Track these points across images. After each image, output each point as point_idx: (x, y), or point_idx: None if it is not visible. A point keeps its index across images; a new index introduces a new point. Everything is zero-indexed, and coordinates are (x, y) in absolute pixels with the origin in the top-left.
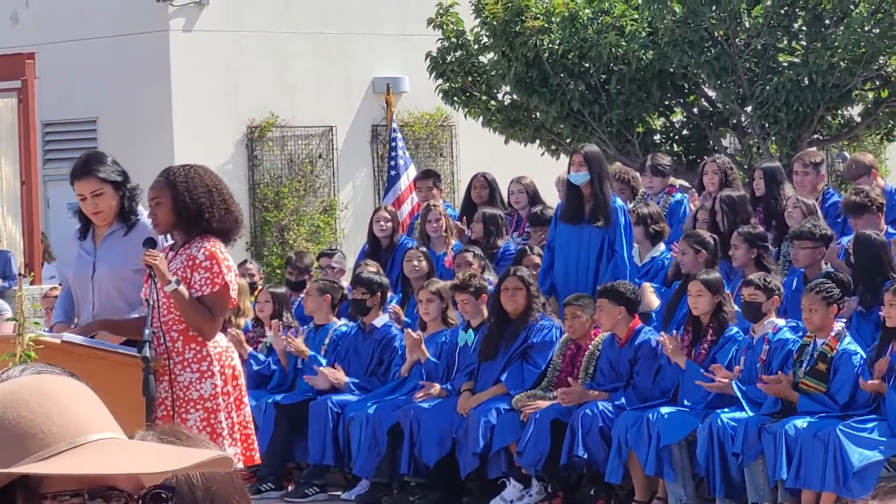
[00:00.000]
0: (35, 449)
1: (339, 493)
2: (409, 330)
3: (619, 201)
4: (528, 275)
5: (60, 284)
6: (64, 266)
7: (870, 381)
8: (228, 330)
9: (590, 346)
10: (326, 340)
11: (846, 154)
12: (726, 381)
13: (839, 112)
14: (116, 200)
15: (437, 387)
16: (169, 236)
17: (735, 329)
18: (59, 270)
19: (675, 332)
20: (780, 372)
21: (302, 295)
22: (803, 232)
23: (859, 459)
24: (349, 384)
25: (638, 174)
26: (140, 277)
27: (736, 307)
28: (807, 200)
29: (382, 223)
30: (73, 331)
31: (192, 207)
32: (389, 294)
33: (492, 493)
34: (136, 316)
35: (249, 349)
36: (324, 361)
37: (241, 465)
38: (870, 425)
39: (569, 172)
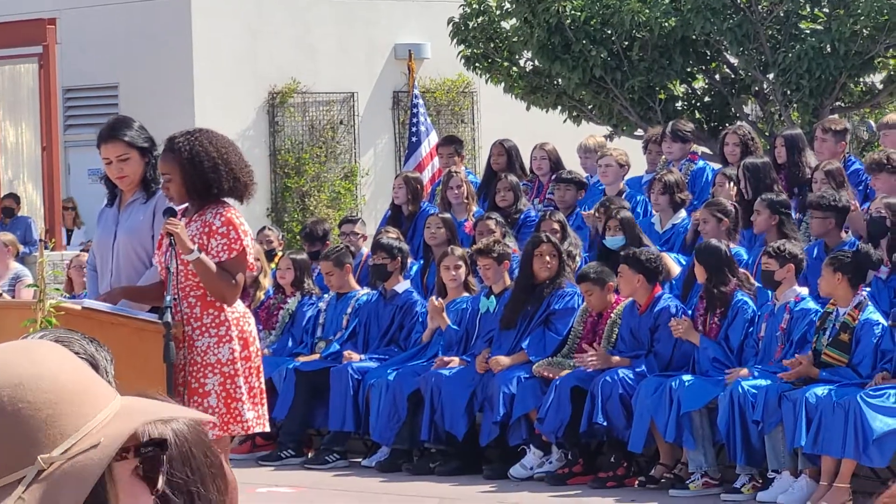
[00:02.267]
0: (81, 422)
1: (359, 459)
2: (433, 297)
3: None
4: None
5: (84, 250)
6: (92, 231)
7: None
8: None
9: (611, 315)
10: (349, 310)
11: (870, 122)
12: (744, 373)
13: (861, 79)
14: (142, 167)
15: (457, 360)
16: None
17: (743, 299)
18: (87, 236)
19: (683, 314)
20: (797, 354)
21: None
22: (812, 202)
23: (879, 427)
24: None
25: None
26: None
27: (755, 282)
28: (833, 168)
29: (397, 190)
30: (97, 298)
31: (200, 182)
32: (410, 260)
33: (512, 460)
34: (155, 283)
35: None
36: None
37: (261, 430)
38: (890, 392)
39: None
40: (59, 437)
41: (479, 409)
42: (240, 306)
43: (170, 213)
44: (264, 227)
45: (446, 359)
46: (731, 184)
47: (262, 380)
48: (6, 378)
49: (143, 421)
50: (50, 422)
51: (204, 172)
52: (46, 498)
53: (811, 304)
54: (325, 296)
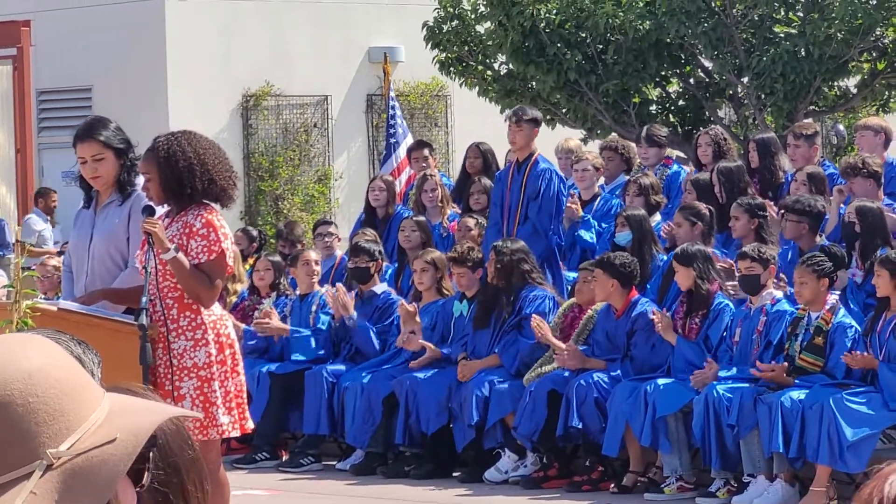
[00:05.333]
0: (72, 424)
1: (333, 462)
2: (404, 302)
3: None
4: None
5: (61, 252)
6: (68, 231)
7: (856, 357)
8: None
9: (589, 311)
10: (313, 308)
11: (840, 127)
12: (712, 372)
13: (836, 83)
14: (116, 168)
15: (433, 348)
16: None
17: (724, 301)
18: (63, 235)
19: (664, 309)
20: (773, 361)
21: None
22: (787, 205)
23: (853, 433)
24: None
25: (632, 144)
26: (133, 245)
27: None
28: (815, 172)
29: (377, 192)
30: (75, 300)
31: (174, 182)
32: (385, 264)
33: (487, 463)
34: (131, 284)
35: (243, 326)
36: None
37: (237, 434)
38: (863, 398)
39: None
40: (65, 432)
41: (450, 410)
42: (217, 309)
43: (148, 211)
44: (245, 228)
45: (428, 346)
46: (694, 192)
47: (241, 382)
48: (15, 371)
49: (164, 416)
50: (57, 416)
51: (179, 172)
52: (64, 493)
53: (787, 306)
54: (289, 300)
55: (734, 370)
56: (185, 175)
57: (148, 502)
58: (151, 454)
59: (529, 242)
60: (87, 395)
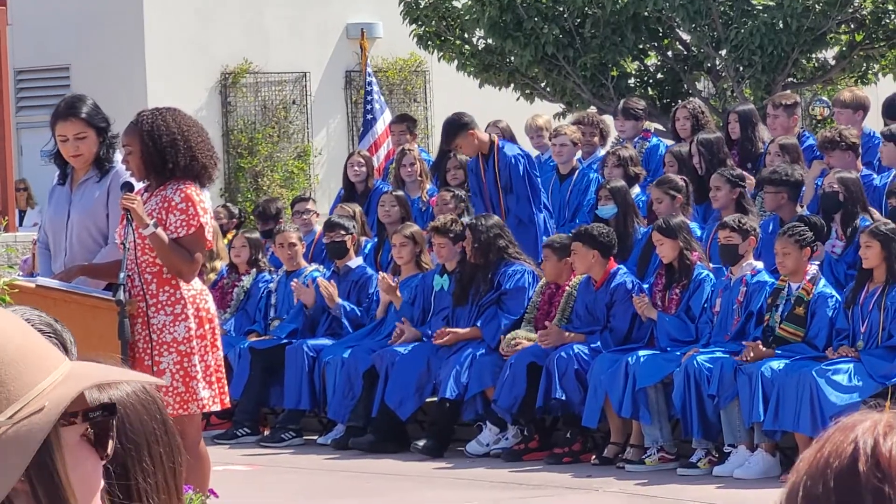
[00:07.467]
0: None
1: (315, 437)
2: (384, 274)
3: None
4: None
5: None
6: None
7: (840, 350)
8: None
9: (567, 288)
10: None
11: (824, 98)
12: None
13: (813, 55)
14: (97, 146)
15: (413, 331)
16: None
17: (705, 272)
18: (41, 216)
19: (643, 293)
20: (757, 341)
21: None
22: (765, 177)
23: (836, 402)
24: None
25: (606, 118)
26: (113, 222)
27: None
28: (788, 142)
29: (357, 167)
30: (54, 276)
31: (157, 157)
32: (364, 238)
33: (468, 436)
34: (112, 260)
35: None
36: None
37: (217, 408)
38: (845, 367)
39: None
40: (4, 401)
41: (432, 391)
42: (196, 283)
43: (127, 187)
44: (225, 204)
45: (402, 326)
46: (675, 164)
47: (220, 357)
48: None
49: (87, 384)
50: None
51: (162, 147)
52: None
53: (767, 277)
54: (274, 276)
55: (715, 349)
56: (167, 150)
57: (104, 475)
58: (114, 422)
59: (517, 234)
60: (35, 363)
